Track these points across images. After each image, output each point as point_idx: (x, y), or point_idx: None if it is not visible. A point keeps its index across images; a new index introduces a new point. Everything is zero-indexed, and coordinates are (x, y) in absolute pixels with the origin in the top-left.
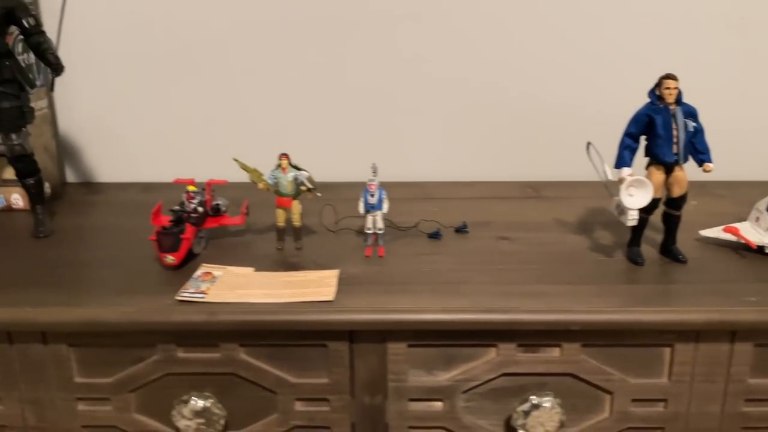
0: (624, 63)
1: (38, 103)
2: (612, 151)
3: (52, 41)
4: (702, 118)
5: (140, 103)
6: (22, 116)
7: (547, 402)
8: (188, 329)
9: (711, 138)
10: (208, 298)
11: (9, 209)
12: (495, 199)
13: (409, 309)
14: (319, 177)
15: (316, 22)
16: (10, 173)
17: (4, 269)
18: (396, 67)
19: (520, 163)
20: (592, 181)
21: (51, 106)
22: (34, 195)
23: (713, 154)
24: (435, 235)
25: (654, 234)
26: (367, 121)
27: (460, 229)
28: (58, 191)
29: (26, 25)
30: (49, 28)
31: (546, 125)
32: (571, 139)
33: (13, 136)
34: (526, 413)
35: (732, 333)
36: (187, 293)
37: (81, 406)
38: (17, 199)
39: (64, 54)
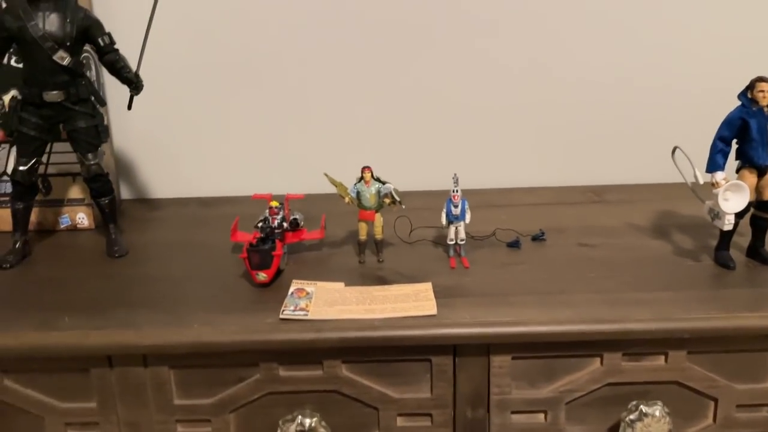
0: (682, 66)
1: None
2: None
3: (126, 59)
4: None
5: (192, 119)
6: (98, 135)
7: (657, 411)
8: (294, 348)
9: None
10: (310, 316)
11: (74, 228)
12: (560, 205)
13: (514, 321)
14: None
15: (384, 31)
16: (74, 192)
17: (91, 289)
18: (463, 77)
19: (577, 168)
20: (651, 183)
21: (107, 123)
22: (108, 215)
23: None
24: (514, 244)
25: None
26: (425, 129)
27: (538, 237)
28: (117, 208)
29: (101, 43)
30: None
31: (602, 130)
32: (629, 142)
33: (90, 156)
34: (633, 422)
35: None
36: (288, 311)
37: (180, 428)
38: (82, 218)
39: None
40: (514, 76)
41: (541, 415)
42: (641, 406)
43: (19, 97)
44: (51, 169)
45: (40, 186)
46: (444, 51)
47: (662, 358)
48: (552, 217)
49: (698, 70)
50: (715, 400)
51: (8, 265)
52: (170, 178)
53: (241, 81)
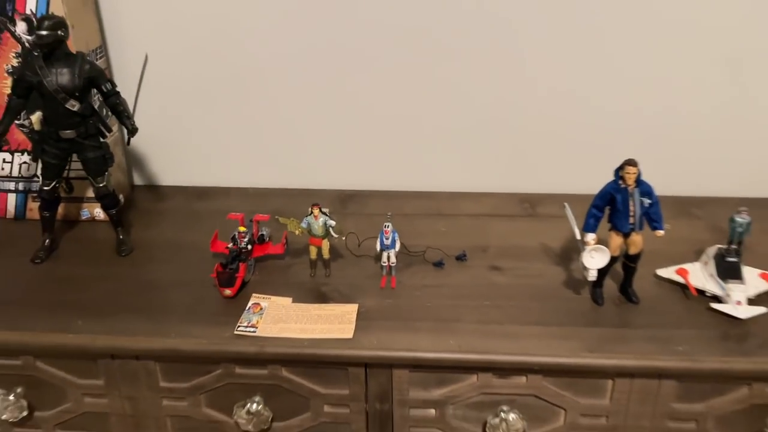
0: (605, 85)
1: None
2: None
3: (126, 102)
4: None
5: (193, 119)
6: (105, 162)
7: (513, 415)
8: (244, 356)
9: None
10: (258, 333)
11: (93, 220)
12: (496, 217)
13: (409, 348)
14: (348, 186)
15: (345, 52)
16: (92, 192)
17: (100, 291)
18: (419, 92)
19: (519, 176)
20: (585, 194)
21: (121, 130)
22: (116, 221)
23: (707, 166)
24: (438, 264)
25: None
26: (391, 139)
27: (460, 258)
28: (129, 197)
29: (104, 89)
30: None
31: (543, 142)
32: (565, 155)
33: (98, 179)
34: (497, 424)
35: (659, 375)
36: (242, 327)
37: (165, 402)
38: (98, 212)
39: (131, 78)
40: (467, 92)
41: (432, 411)
42: (501, 413)
43: (42, 118)
44: (73, 174)
45: (65, 186)
46: (403, 74)
47: (524, 378)
48: (483, 232)
49: (638, 88)
50: (565, 410)
51: (39, 261)
52: (175, 168)
53: (230, 88)
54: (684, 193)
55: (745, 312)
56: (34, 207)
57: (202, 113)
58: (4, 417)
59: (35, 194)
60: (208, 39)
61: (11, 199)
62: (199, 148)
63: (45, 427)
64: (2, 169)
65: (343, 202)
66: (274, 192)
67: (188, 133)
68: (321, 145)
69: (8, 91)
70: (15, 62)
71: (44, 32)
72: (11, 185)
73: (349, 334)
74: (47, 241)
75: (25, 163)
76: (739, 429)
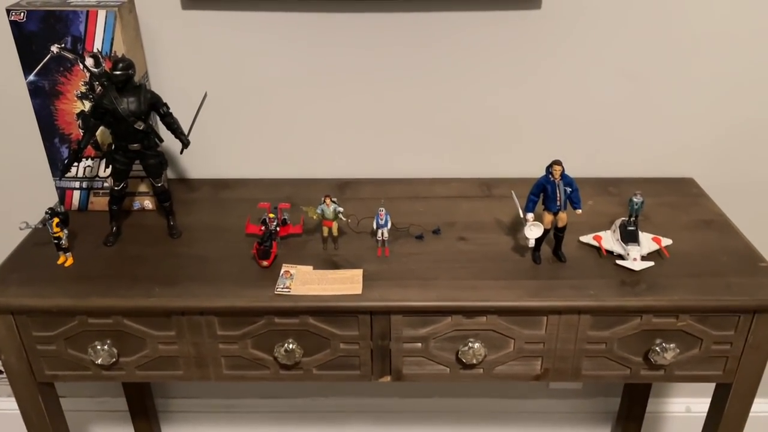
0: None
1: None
2: (533, 145)
3: (178, 120)
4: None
5: (217, 123)
6: (161, 166)
7: (477, 344)
8: (282, 309)
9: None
10: (292, 292)
11: (142, 210)
12: (461, 198)
13: (402, 299)
14: (343, 175)
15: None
16: (142, 188)
17: (165, 266)
18: (403, 97)
19: (478, 165)
20: (528, 177)
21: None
22: (168, 211)
23: (620, 153)
24: (419, 237)
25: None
26: (379, 136)
27: (436, 232)
28: None
29: (162, 112)
30: None
31: (495, 139)
32: (512, 148)
33: (157, 180)
34: (466, 351)
35: (578, 312)
36: (279, 289)
37: (221, 346)
38: (148, 204)
39: (165, 97)
40: (438, 98)
41: (419, 344)
42: (469, 343)
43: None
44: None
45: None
46: (392, 84)
47: (484, 318)
48: (451, 211)
49: (567, 95)
50: (514, 339)
51: (110, 244)
52: (200, 163)
53: (252, 99)
54: (603, 175)
55: (639, 265)
56: (95, 201)
57: (223, 117)
58: (98, 362)
59: (97, 190)
60: (227, 63)
61: (76, 194)
62: (222, 147)
63: (127, 369)
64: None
65: (341, 188)
66: (283, 181)
67: (212, 133)
68: (321, 143)
69: (77, 110)
70: (83, 89)
71: (119, 72)
72: (76, 184)
73: (359, 291)
74: (114, 228)
75: (88, 166)
76: (634, 348)
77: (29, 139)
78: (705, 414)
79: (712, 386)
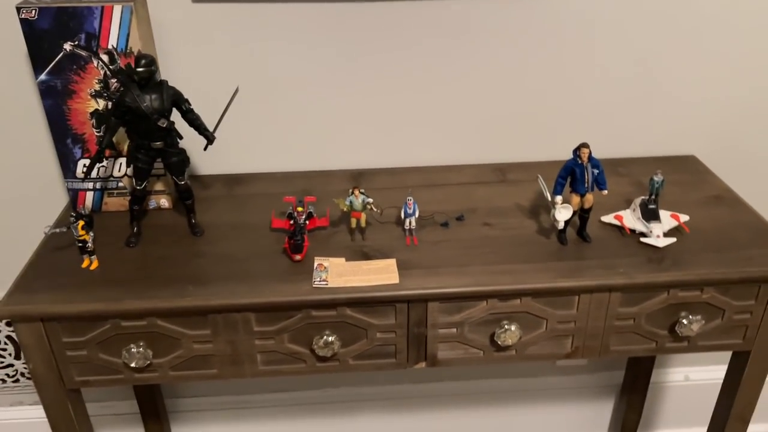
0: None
1: None
2: (545, 130)
3: (200, 116)
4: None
5: (232, 116)
6: (183, 165)
7: (513, 326)
8: (321, 302)
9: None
10: (329, 285)
11: (159, 209)
12: (478, 184)
13: (437, 286)
14: (357, 165)
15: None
16: (159, 186)
17: (194, 265)
18: (416, 87)
19: (492, 150)
20: (554, 161)
21: None
22: (190, 209)
23: (622, 134)
24: (445, 225)
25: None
26: (392, 126)
27: (460, 218)
28: None
29: (184, 108)
30: None
31: (508, 124)
32: (526, 133)
33: (180, 178)
34: (503, 332)
35: (609, 290)
36: (317, 282)
37: (257, 342)
38: (164, 203)
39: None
40: (452, 86)
41: (454, 330)
42: (504, 325)
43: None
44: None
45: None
46: (403, 74)
47: (518, 300)
48: (469, 197)
49: (579, 80)
50: (546, 320)
51: (133, 245)
52: (210, 159)
53: (263, 94)
54: (613, 156)
55: (662, 242)
56: (109, 201)
57: (233, 111)
58: (133, 365)
59: (112, 191)
60: (237, 57)
61: (89, 195)
62: (233, 142)
63: (161, 371)
64: (81, 173)
65: (355, 179)
66: (296, 174)
67: (224, 128)
68: (334, 134)
69: (91, 109)
70: (98, 87)
71: (142, 69)
72: (90, 185)
73: (396, 280)
74: (135, 228)
75: (102, 166)
76: (660, 322)
77: (35, 141)
78: (702, 381)
79: (709, 355)
